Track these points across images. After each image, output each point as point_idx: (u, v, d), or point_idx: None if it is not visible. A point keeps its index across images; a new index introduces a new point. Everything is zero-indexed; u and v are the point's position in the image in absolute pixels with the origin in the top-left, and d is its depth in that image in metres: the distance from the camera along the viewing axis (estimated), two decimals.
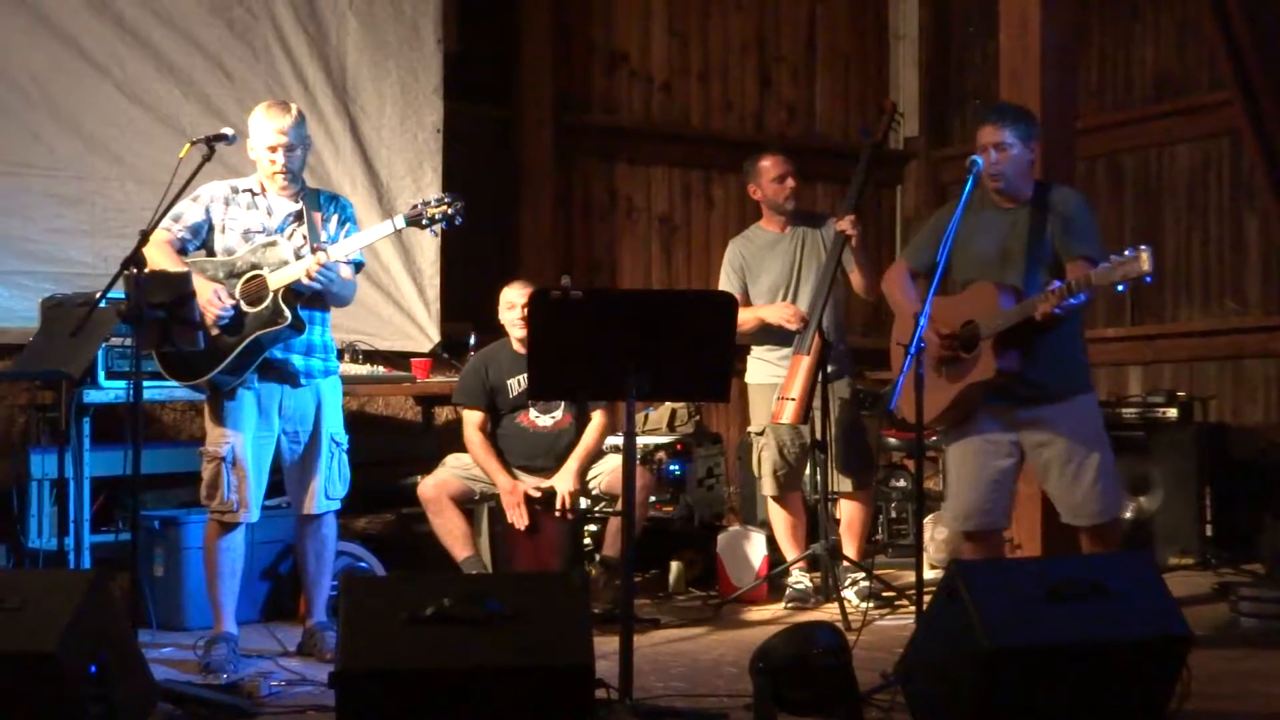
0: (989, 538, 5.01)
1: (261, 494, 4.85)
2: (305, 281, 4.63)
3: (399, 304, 7.22)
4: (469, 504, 5.82)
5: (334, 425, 4.94)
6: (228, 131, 4.59)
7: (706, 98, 8.78)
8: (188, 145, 4.50)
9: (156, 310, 4.31)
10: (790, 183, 5.98)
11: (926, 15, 9.44)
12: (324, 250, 4.67)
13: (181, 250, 4.80)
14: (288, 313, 4.64)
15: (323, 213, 4.84)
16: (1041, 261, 4.77)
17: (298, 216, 4.83)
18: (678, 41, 8.66)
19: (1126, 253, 4.31)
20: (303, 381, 4.85)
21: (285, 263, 4.66)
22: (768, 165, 6.02)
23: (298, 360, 4.83)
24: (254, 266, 4.70)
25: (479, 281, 6.68)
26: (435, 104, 7.39)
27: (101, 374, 5.29)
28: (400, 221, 4.76)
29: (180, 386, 4.89)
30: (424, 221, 4.73)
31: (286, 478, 4.97)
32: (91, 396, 5.30)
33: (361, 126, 7.19)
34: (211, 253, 4.83)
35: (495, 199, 7.86)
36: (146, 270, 4.32)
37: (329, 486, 4.93)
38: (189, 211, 4.79)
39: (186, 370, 4.73)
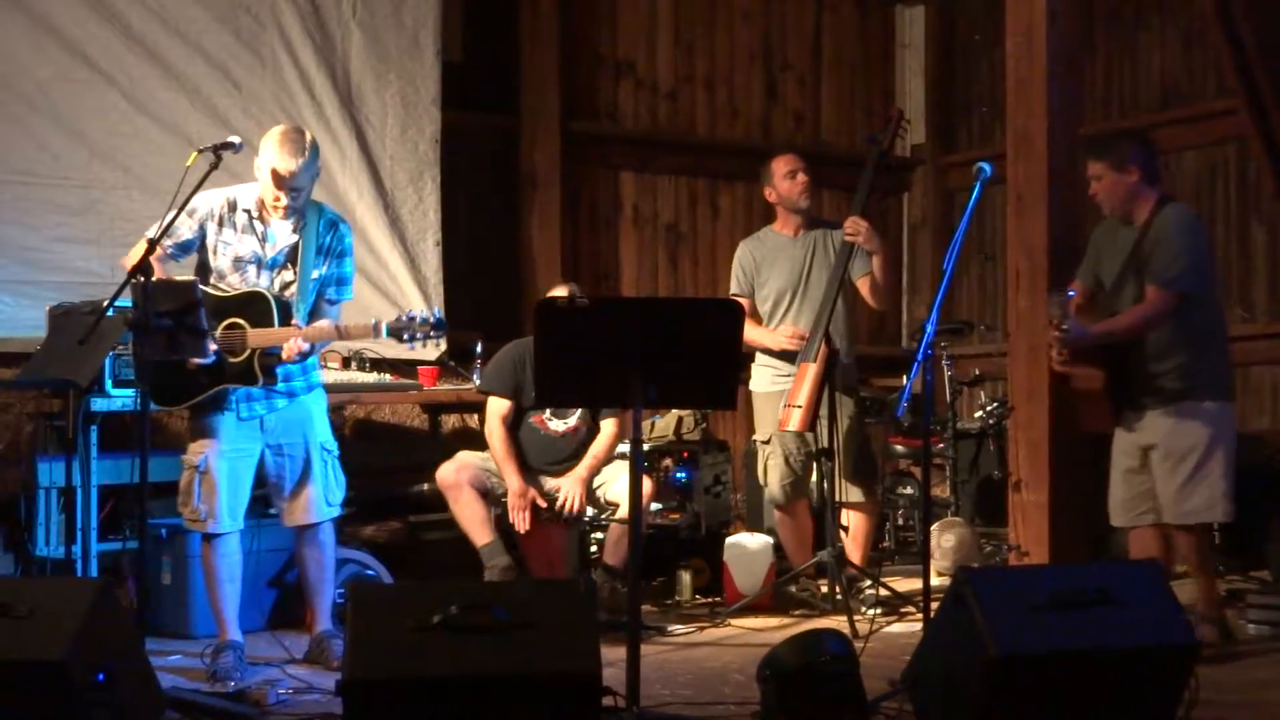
0: (1141, 534, 5.07)
1: (241, 505, 4.83)
2: (284, 359, 4.64)
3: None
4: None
5: (323, 435, 4.95)
6: (235, 140, 4.59)
7: (712, 106, 8.76)
8: (194, 154, 4.49)
9: (164, 319, 4.31)
10: (802, 178, 6.04)
11: (933, 24, 9.44)
12: (303, 334, 4.62)
13: (170, 260, 4.80)
14: (260, 376, 4.65)
15: (319, 245, 4.82)
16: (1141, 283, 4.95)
17: (292, 253, 4.80)
18: (683, 50, 8.65)
19: None
20: (285, 403, 4.85)
21: (268, 325, 4.64)
22: (778, 164, 6.10)
23: (278, 385, 4.80)
24: (237, 313, 4.68)
25: (485, 290, 6.68)
26: (434, 115, 7.39)
27: (109, 382, 5.30)
28: (384, 330, 4.70)
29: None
30: (404, 336, 4.70)
31: (271, 492, 4.96)
32: (99, 405, 5.31)
33: (366, 136, 7.20)
34: (204, 266, 4.81)
35: (501, 207, 7.87)
36: (154, 279, 4.33)
37: (328, 494, 4.93)
38: (181, 227, 4.74)
39: (165, 396, 4.74)
